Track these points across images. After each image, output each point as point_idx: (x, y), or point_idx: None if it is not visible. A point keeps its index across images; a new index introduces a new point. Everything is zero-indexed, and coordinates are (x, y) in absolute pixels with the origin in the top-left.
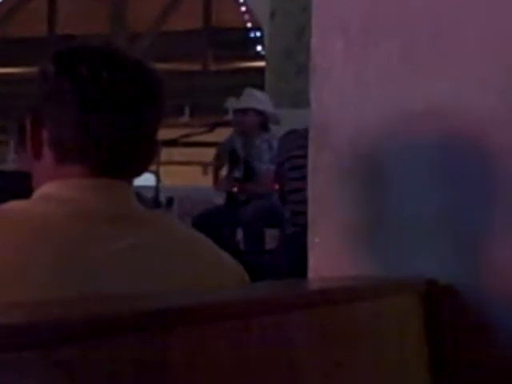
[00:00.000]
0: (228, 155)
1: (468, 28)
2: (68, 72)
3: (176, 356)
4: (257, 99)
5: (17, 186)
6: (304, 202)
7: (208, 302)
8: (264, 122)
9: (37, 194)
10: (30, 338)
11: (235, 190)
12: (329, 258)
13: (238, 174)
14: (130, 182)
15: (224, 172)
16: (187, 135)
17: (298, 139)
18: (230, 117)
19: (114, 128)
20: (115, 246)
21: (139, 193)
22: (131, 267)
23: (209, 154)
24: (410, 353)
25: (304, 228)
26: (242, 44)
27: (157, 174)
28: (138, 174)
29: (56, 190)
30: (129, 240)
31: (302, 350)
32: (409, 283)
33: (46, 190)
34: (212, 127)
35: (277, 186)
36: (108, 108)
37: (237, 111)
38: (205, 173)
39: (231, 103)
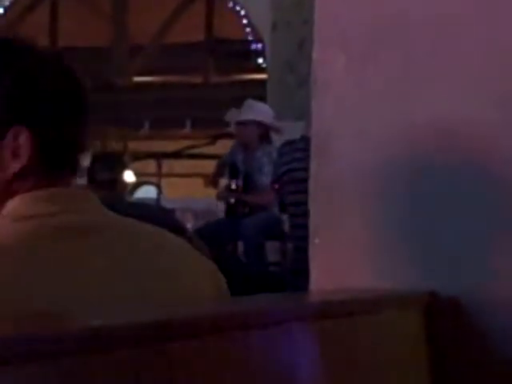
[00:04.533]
0: (228, 168)
1: (468, 41)
2: None
3: (177, 368)
4: (256, 110)
5: None
6: (304, 215)
7: (208, 314)
8: (265, 133)
9: (3, 212)
10: (24, 350)
11: (232, 201)
12: (330, 270)
13: (234, 185)
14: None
15: (223, 183)
16: (189, 147)
17: (297, 151)
18: (231, 129)
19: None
20: (97, 258)
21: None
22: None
23: (210, 166)
24: (411, 365)
25: (304, 241)
26: (244, 56)
27: (158, 186)
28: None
29: (20, 207)
30: (108, 250)
31: (303, 362)
32: (411, 296)
33: (10, 207)
34: (214, 139)
35: (275, 195)
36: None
37: (238, 123)
38: (206, 185)
39: (231, 115)
